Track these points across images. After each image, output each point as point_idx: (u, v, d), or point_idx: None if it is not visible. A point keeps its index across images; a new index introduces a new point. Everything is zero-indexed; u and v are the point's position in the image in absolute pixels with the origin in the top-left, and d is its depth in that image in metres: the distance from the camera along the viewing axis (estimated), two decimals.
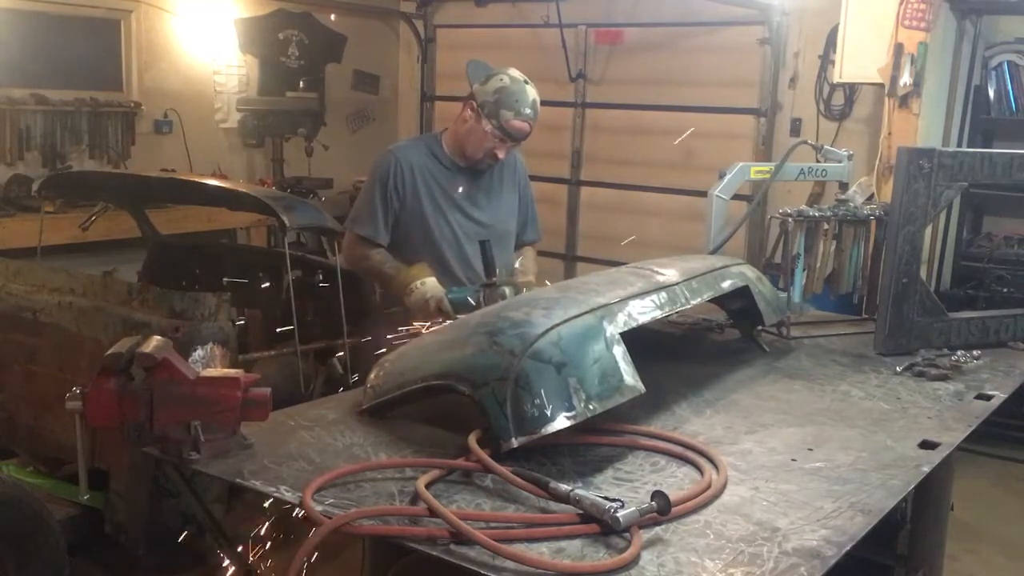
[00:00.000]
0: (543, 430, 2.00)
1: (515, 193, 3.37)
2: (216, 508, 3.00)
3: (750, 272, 3.02)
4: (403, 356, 2.44)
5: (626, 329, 2.27)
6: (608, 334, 2.21)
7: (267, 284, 4.40)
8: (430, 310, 2.94)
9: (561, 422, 2.02)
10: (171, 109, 6.68)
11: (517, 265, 3.35)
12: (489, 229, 3.21)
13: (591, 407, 2.06)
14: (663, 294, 2.51)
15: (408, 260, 3.14)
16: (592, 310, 2.27)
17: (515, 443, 1.99)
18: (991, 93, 5.59)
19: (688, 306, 2.61)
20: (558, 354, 2.09)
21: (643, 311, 2.40)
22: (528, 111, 3.06)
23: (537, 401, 2.01)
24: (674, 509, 1.78)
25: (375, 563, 2.12)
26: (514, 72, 3.11)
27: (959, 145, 5.48)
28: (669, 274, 2.64)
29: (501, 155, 3.10)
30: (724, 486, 1.97)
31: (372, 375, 2.42)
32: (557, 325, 2.17)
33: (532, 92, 3.08)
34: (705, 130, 6.72)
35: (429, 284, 2.99)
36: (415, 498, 1.82)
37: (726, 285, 2.83)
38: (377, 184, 3.14)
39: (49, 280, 3.58)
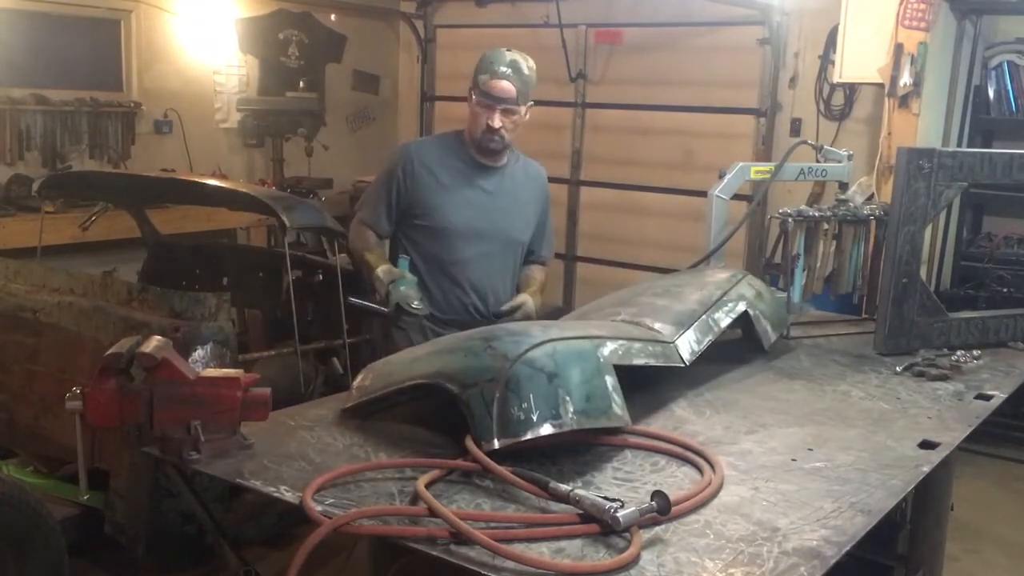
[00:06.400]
0: (527, 434, 2.00)
1: (537, 206, 3.32)
2: (216, 508, 3.00)
3: (749, 290, 3.00)
4: (392, 361, 2.45)
5: (621, 364, 2.28)
6: (602, 361, 2.22)
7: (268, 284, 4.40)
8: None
9: (546, 429, 2.02)
10: (171, 109, 6.67)
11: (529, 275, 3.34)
12: (502, 232, 3.18)
13: (577, 419, 2.06)
14: (658, 347, 2.51)
15: (420, 254, 3.13)
16: (589, 337, 2.29)
17: (496, 444, 1.99)
18: (991, 93, 5.59)
19: (683, 364, 2.57)
20: (551, 364, 2.10)
21: (638, 355, 2.40)
22: (503, 69, 3.00)
23: (524, 405, 2.02)
24: (674, 509, 1.78)
25: (375, 563, 2.12)
26: (501, 47, 3.08)
27: (959, 145, 5.48)
28: (665, 331, 2.60)
29: (495, 123, 3.03)
30: (720, 486, 1.97)
31: (359, 378, 2.42)
32: (554, 340, 2.18)
33: (510, 54, 3.04)
34: (705, 130, 6.73)
35: (395, 289, 3.00)
36: (415, 498, 1.83)
37: (724, 323, 2.81)
38: (384, 175, 3.17)
39: (49, 280, 3.58)
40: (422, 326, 3.11)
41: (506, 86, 3.00)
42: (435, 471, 1.94)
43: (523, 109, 3.08)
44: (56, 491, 3.42)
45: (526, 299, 3.19)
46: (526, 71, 3.04)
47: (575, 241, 7.52)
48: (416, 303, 2.97)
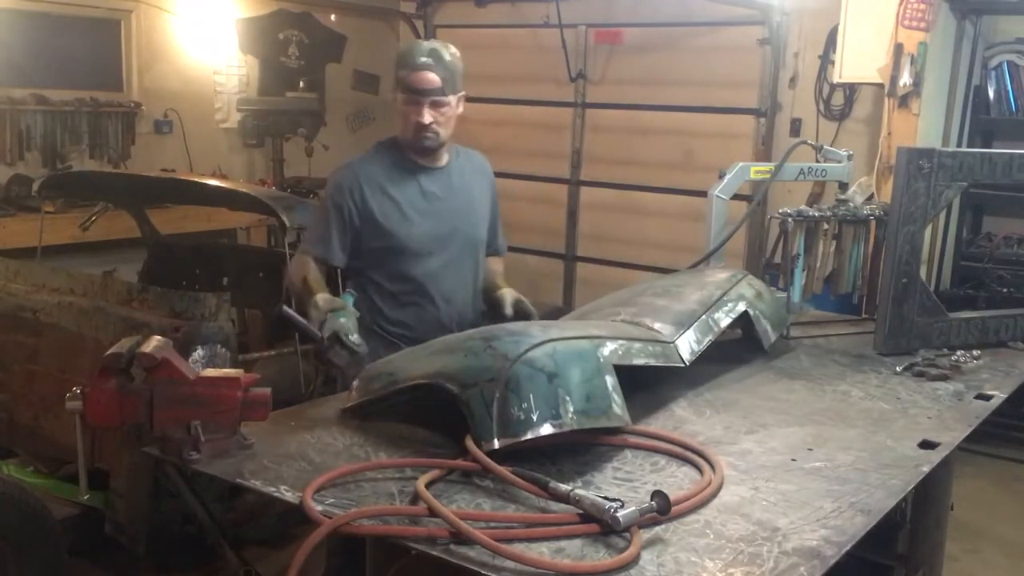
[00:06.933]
0: (527, 434, 2.00)
1: (488, 198, 3.14)
2: (216, 508, 3.00)
3: (749, 290, 2.99)
4: (392, 361, 2.45)
5: (620, 364, 2.27)
6: (602, 361, 2.21)
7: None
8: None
9: (546, 429, 2.02)
10: (171, 109, 6.68)
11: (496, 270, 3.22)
12: (463, 233, 3.01)
13: (577, 419, 2.06)
14: (658, 347, 2.51)
15: (384, 275, 2.94)
16: (589, 337, 2.29)
17: (496, 444, 1.99)
18: (991, 93, 5.59)
19: (683, 364, 2.57)
20: (551, 365, 2.10)
21: (638, 355, 2.40)
22: (423, 60, 2.77)
23: (524, 405, 2.02)
24: (673, 509, 1.78)
25: (375, 563, 2.12)
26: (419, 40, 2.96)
27: (959, 145, 5.48)
28: (665, 331, 2.60)
29: (425, 119, 2.80)
30: (720, 486, 1.97)
31: (359, 378, 2.42)
32: (554, 340, 2.18)
33: (429, 44, 2.84)
34: (705, 130, 6.73)
35: (333, 319, 2.59)
36: (415, 498, 1.83)
37: (724, 323, 2.80)
38: (331, 201, 2.90)
39: (49, 280, 3.58)
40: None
41: (429, 77, 2.78)
42: (435, 471, 1.94)
43: (453, 100, 2.85)
44: (56, 491, 3.42)
45: (515, 294, 3.05)
46: (448, 58, 2.82)
47: (575, 241, 7.53)
48: (355, 336, 2.54)
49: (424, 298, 2.95)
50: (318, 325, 2.56)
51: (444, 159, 3.00)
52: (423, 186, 2.94)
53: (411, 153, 2.93)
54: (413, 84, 2.79)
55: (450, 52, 2.84)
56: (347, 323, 2.56)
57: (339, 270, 3.03)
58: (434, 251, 2.94)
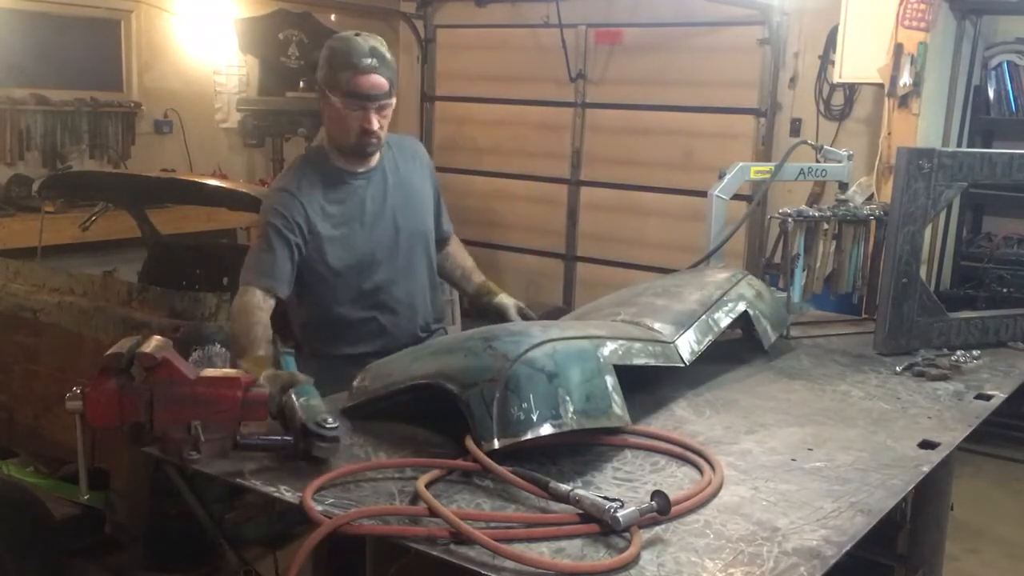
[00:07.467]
0: (527, 434, 2.00)
1: (429, 182, 2.95)
2: (216, 508, 3.00)
3: (749, 290, 2.99)
4: (392, 360, 2.45)
5: (620, 364, 2.27)
6: (602, 361, 2.22)
7: None
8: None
9: (546, 429, 2.02)
10: (171, 109, 6.68)
11: (465, 266, 3.13)
12: (410, 232, 2.86)
13: (577, 419, 2.06)
14: (658, 347, 2.51)
15: (336, 296, 2.77)
16: (589, 337, 2.29)
17: (496, 444, 1.99)
18: (991, 93, 5.60)
19: (683, 364, 2.57)
20: (551, 365, 2.10)
21: (638, 355, 2.40)
22: (368, 61, 2.56)
23: (524, 405, 2.02)
24: (674, 509, 1.78)
25: (375, 563, 2.12)
26: (343, 34, 2.70)
27: (959, 145, 5.48)
28: (665, 331, 2.60)
29: (372, 125, 2.63)
30: (720, 486, 1.97)
31: (359, 378, 2.41)
32: (554, 340, 2.18)
33: (367, 41, 2.60)
34: (705, 130, 6.74)
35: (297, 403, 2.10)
36: (415, 498, 1.83)
37: (724, 323, 2.80)
38: (273, 229, 2.66)
39: (49, 280, 3.58)
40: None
41: (377, 80, 2.58)
42: (435, 471, 1.94)
43: (394, 99, 2.68)
44: (56, 491, 3.42)
45: (515, 301, 3.00)
46: (389, 56, 2.63)
47: (575, 241, 7.53)
48: (331, 421, 2.03)
49: (382, 309, 2.83)
50: (275, 410, 2.12)
51: (376, 158, 2.81)
52: (360, 194, 2.77)
53: (341, 161, 2.76)
54: (360, 89, 2.59)
55: (387, 48, 2.66)
56: (315, 404, 2.10)
57: (277, 318, 2.75)
58: (383, 259, 2.80)
